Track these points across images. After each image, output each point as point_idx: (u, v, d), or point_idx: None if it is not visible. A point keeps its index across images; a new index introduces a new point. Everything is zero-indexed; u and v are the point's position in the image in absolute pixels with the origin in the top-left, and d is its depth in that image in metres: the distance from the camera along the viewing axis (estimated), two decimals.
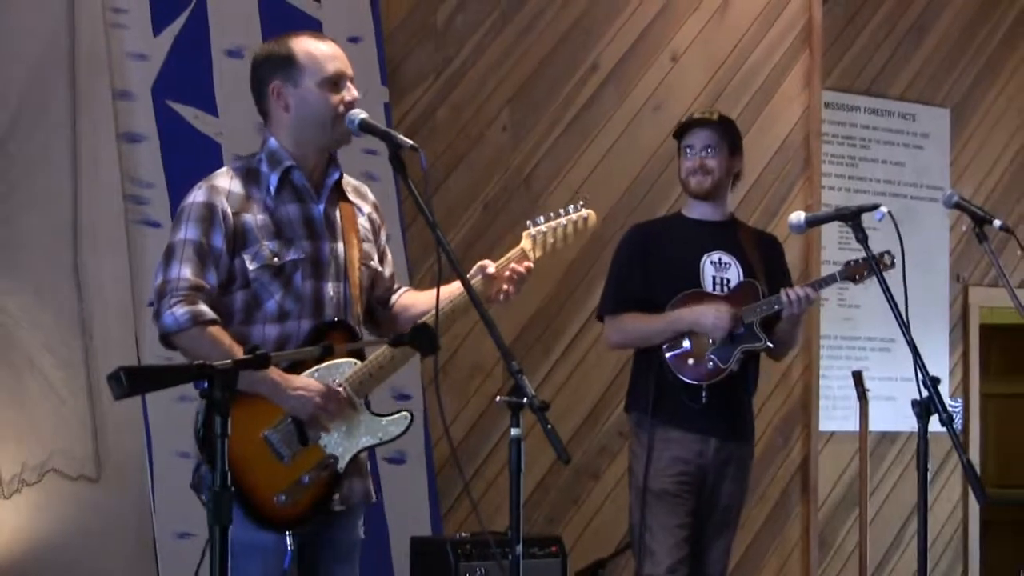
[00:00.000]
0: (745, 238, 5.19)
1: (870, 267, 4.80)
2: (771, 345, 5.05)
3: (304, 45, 3.81)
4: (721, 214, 5.21)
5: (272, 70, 3.81)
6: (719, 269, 5.10)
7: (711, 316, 4.95)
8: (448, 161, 6.46)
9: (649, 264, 5.13)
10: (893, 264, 4.84)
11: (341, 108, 3.75)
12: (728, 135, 5.19)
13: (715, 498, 5.08)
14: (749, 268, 5.10)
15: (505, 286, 3.85)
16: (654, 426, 5.02)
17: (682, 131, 5.22)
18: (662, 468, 5.00)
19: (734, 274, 5.10)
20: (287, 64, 3.79)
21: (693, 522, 5.05)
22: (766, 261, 5.16)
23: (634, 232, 5.26)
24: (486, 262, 3.87)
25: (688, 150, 5.16)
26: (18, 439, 5.09)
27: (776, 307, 4.96)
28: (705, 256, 5.10)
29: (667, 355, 5.02)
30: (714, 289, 5.08)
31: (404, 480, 5.86)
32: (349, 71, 3.82)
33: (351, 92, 3.78)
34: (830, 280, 5.06)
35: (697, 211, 5.20)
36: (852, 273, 5.00)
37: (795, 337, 5.20)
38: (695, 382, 4.99)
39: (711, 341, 4.97)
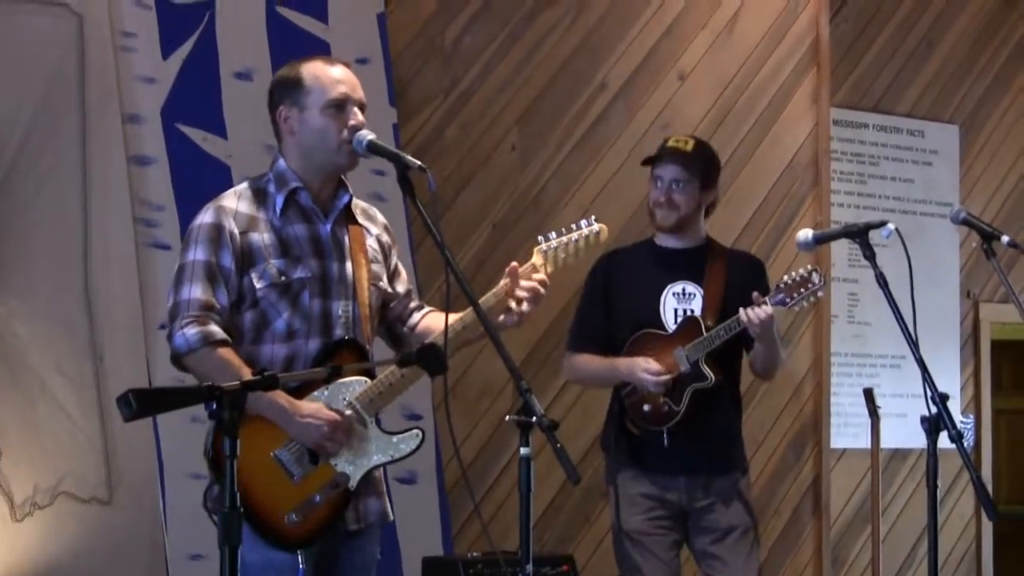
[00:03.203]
0: (716, 264, 4.99)
1: (799, 290, 4.78)
2: (718, 380, 4.84)
3: (313, 69, 3.84)
4: (693, 240, 5.03)
5: (282, 94, 3.86)
6: (682, 300, 4.95)
7: (639, 373, 4.82)
8: (457, 181, 6.48)
9: (609, 300, 5.02)
10: (822, 283, 4.74)
11: (344, 133, 3.77)
12: (700, 168, 4.98)
13: (710, 525, 4.93)
14: (711, 299, 4.92)
15: (522, 303, 3.84)
16: (620, 467, 4.95)
17: (653, 160, 5.04)
18: (632, 508, 4.90)
19: (698, 305, 4.92)
20: (294, 88, 3.83)
21: (677, 556, 4.95)
22: (739, 287, 4.90)
23: (599, 265, 5.06)
24: (514, 264, 3.87)
25: (657, 181, 4.98)
26: (30, 462, 5.09)
27: (716, 343, 4.77)
28: (668, 288, 4.96)
29: (625, 400, 4.95)
30: (676, 321, 4.93)
31: (415, 500, 5.86)
32: (357, 95, 3.83)
33: (356, 117, 3.79)
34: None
35: (667, 239, 5.05)
36: (784, 297, 4.74)
37: (773, 356, 4.92)
38: (652, 427, 4.89)
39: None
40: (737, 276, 4.99)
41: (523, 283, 3.83)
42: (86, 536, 5.15)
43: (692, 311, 4.93)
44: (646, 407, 4.90)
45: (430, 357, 3.28)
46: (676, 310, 4.95)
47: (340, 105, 3.79)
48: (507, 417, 3.37)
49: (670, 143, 5.05)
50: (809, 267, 4.77)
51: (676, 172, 4.95)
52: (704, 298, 4.93)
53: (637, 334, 4.95)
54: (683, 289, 4.97)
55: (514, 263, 3.87)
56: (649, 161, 5.07)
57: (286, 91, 3.84)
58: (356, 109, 3.81)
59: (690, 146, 5.02)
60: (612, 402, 5.06)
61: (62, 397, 5.18)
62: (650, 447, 4.91)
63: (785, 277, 4.78)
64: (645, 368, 4.82)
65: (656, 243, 5.10)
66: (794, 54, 7.43)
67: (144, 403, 2.80)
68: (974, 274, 8.06)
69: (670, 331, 4.93)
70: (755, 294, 4.74)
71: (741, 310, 4.74)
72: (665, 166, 4.98)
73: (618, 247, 5.23)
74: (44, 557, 5.07)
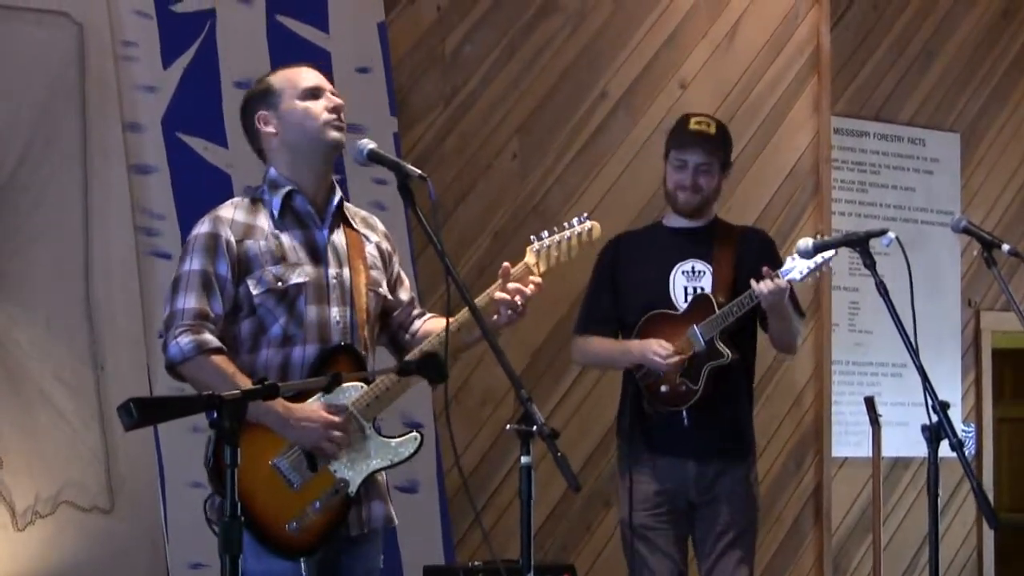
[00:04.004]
0: (725, 241, 5.01)
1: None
2: (734, 357, 4.85)
3: (278, 75, 3.94)
4: (703, 220, 5.06)
5: (255, 104, 3.93)
6: (692, 279, 4.96)
7: (651, 355, 4.82)
8: (458, 190, 6.48)
9: (619, 282, 5.04)
10: (832, 256, 4.69)
11: (326, 114, 3.82)
12: (723, 150, 5.02)
13: (711, 522, 4.95)
14: (721, 276, 4.93)
15: (517, 301, 3.83)
16: (633, 461, 4.94)
17: (677, 143, 5.03)
18: (640, 501, 4.91)
19: (707, 282, 4.94)
20: (266, 93, 3.90)
21: (683, 551, 4.97)
22: (749, 262, 4.92)
23: (608, 247, 5.09)
24: (506, 264, 3.89)
25: (679, 163, 4.98)
26: (30, 471, 5.09)
27: (729, 319, 4.78)
28: (677, 267, 4.98)
29: (641, 382, 4.94)
30: (687, 300, 4.94)
31: (416, 509, 5.85)
32: (327, 87, 3.90)
33: (332, 100, 3.86)
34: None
35: (678, 220, 5.06)
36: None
37: (790, 329, 4.93)
38: (670, 407, 4.89)
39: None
40: (747, 253, 5.00)
41: (510, 285, 3.84)
42: (87, 545, 5.15)
43: (702, 289, 4.94)
44: (663, 388, 4.89)
45: (430, 366, 3.27)
46: (686, 288, 4.97)
47: (314, 92, 3.86)
48: (507, 426, 3.37)
49: (692, 125, 5.05)
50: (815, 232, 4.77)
51: (703, 156, 4.98)
52: (714, 275, 4.95)
53: (648, 315, 4.95)
54: (692, 267, 4.99)
55: (506, 264, 3.89)
56: (673, 144, 5.05)
57: (259, 99, 3.92)
58: (330, 94, 3.88)
59: (713, 128, 5.05)
60: (626, 386, 5.05)
61: (63, 406, 5.18)
62: (667, 430, 4.91)
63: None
64: (657, 350, 4.83)
65: (665, 224, 5.13)
66: (795, 63, 7.44)
67: (145, 412, 2.80)
68: (975, 283, 8.05)
69: (680, 310, 4.94)
70: (765, 268, 4.74)
71: (753, 282, 4.74)
72: (691, 150, 4.98)
73: (627, 230, 5.30)
74: (46, 566, 5.07)
